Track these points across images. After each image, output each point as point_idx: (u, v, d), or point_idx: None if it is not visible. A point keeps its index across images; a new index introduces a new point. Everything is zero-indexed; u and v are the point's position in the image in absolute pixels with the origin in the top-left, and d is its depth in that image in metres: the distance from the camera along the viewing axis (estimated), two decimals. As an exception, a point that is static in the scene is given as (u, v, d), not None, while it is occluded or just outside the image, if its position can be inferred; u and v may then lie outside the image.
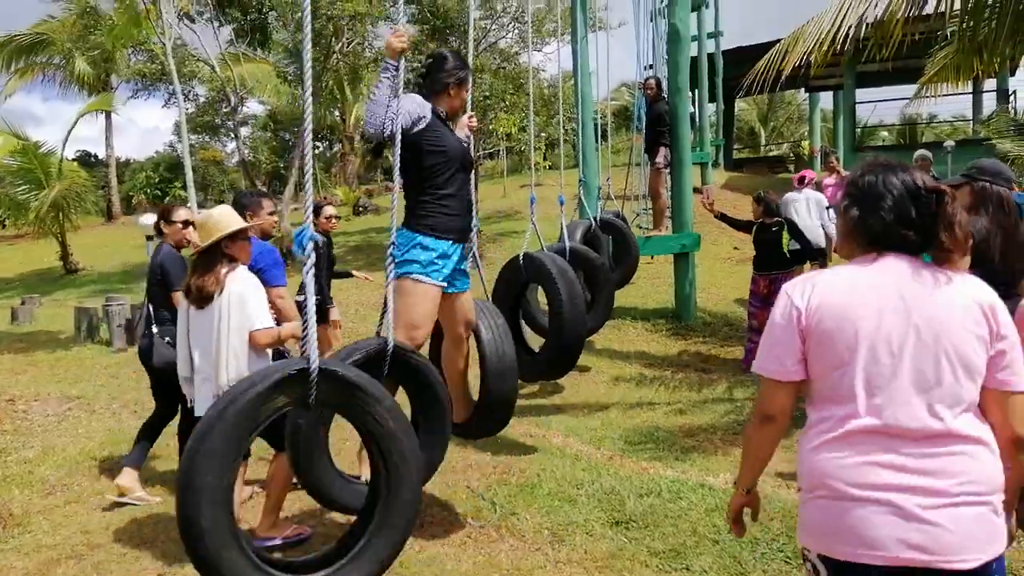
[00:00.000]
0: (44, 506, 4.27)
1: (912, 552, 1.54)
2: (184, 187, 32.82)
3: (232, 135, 15.77)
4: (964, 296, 1.63)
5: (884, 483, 1.57)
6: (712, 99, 18.92)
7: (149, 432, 4.44)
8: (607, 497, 3.73)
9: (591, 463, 4.22)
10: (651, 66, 12.01)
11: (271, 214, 4.19)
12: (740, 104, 30.42)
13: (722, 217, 7.15)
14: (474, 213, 3.48)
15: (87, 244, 19.49)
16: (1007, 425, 1.64)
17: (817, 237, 7.98)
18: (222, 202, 34.48)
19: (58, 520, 4.06)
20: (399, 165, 3.04)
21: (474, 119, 3.70)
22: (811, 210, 8.25)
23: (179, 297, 3.83)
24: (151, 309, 4.36)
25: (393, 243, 3.04)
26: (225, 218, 3.38)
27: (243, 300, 3.24)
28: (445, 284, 3.26)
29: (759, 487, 1.91)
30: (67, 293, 14.15)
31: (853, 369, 1.61)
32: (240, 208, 3.95)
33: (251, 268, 3.58)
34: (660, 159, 8.47)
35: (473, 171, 3.69)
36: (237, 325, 3.23)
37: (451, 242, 3.25)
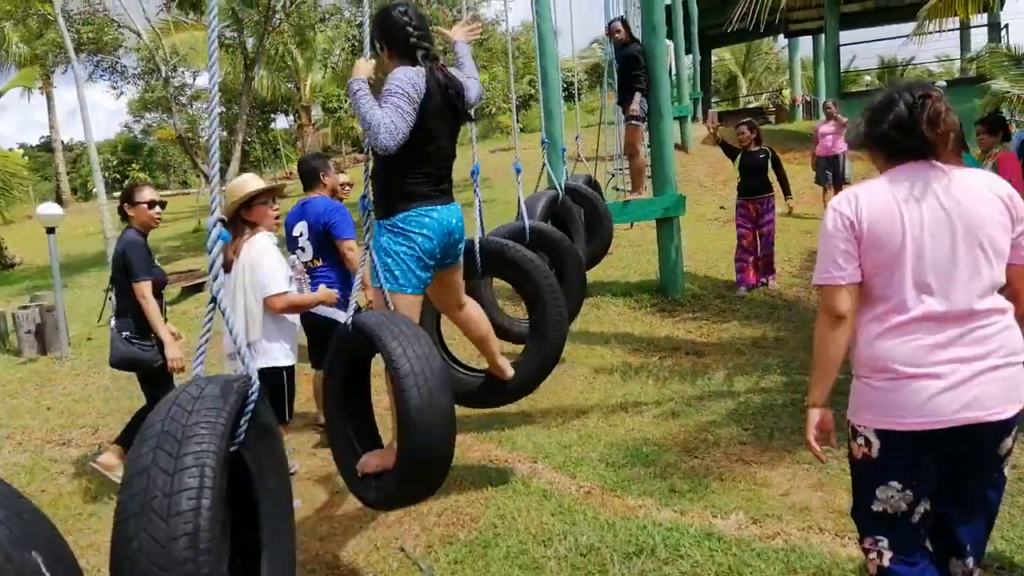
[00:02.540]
0: None
1: (964, 413, 1.82)
2: (142, 169, 31.38)
3: (179, 110, 14.41)
4: (986, 190, 1.86)
5: (937, 360, 1.82)
6: (688, 50, 17.78)
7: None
8: (584, 561, 2.81)
9: (563, 504, 3.30)
10: (623, 18, 10.91)
11: (338, 174, 4.50)
12: (721, 54, 29.29)
13: (721, 143, 7.87)
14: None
15: (29, 235, 18.21)
16: None
17: None
18: (184, 183, 32.80)
19: None
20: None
21: None
22: None
23: (143, 288, 3.87)
24: (115, 300, 4.11)
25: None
26: (238, 185, 3.57)
27: (254, 266, 3.41)
28: None
29: None
30: (-2, 292, 13.00)
31: (903, 266, 1.84)
32: (312, 171, 4.36)
33: (321, 223, 4.17)
34: (636, 107, 7.32)
35: None
36: (250, 288, 3.40)
37: None
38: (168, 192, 27.18)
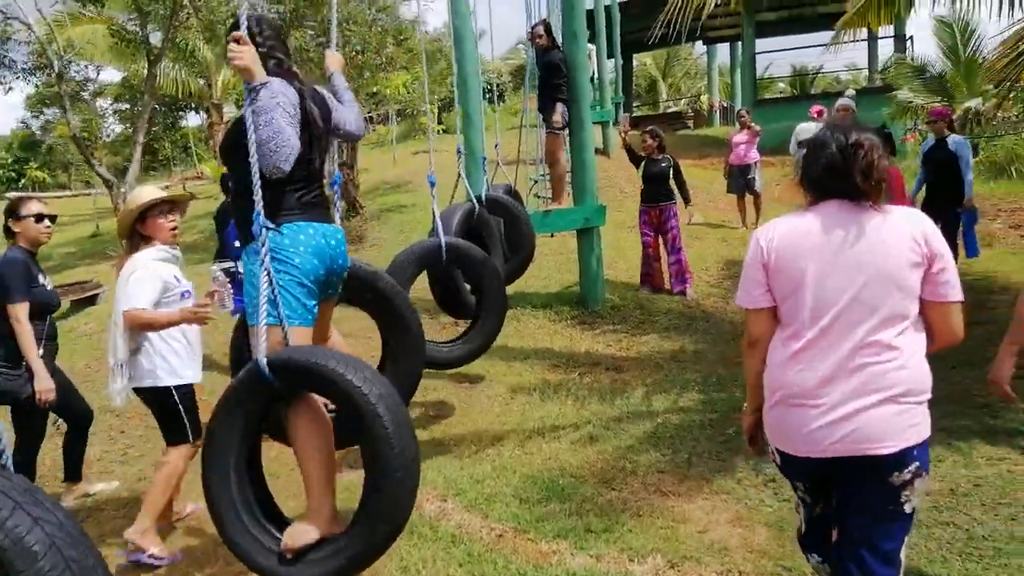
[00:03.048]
0: None
1: (839, 445, 1.91)
2: (41, 167, 29.47)
3: (74, 107, 13.42)
4: (899, 228, 1.92)
5: (823, 391, 1.92)
6: (610, 54, 17.85)
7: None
8: (491, 622, 2.60)
9: (473, 551, 3.07)
10: (546, 22, 10.74)
11: None
12: (642, 59, 29.67)
13: (627, 148, 8.17)
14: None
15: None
16: (946, 330, 1.96)
17: None
18: (88, 183, 30.87)
19: None
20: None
21: None
22: None
23: (16, 311, 3.59)
24: None
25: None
26: (132, 198, 3.44)
27: (122, 281, 3.29)
28: None
29: None
30: None
31: (803, 296, 1.96)
32: None
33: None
34: (558, 117, 7.13)
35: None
36: (116, 304, 3.29)
37: None
38: (69, 193, 25.62)
